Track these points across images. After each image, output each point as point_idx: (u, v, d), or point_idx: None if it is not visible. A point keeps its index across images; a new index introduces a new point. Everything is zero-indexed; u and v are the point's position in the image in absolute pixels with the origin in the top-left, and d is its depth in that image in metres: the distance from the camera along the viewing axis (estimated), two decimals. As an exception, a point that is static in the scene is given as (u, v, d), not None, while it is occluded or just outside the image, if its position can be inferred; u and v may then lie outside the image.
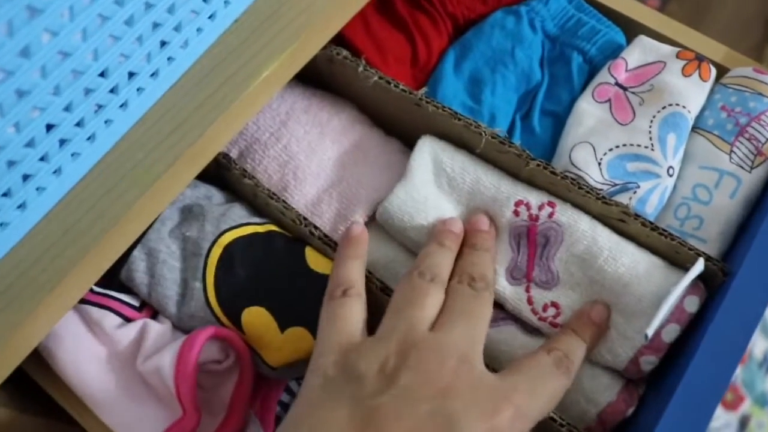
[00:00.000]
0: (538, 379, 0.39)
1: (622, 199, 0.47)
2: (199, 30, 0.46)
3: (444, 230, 0.46)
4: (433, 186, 0.48)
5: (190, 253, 0.47)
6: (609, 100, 0.50)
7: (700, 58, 0.50)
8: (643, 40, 0.52)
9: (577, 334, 0.43)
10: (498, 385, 0.38)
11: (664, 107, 0.48)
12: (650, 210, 0.47)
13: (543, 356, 0.41)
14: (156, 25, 0.42)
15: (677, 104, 0.48)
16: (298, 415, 0.37)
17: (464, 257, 0.45)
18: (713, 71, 0.51)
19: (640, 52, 0.52)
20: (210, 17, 0.46)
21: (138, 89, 0.44)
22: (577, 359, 0.42)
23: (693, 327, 0.44)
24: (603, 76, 0.51)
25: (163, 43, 0.44)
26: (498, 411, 0.36)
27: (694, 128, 0.50)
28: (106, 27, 0.38)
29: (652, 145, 0.47)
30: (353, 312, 0.41)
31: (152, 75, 0.44)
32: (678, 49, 0.51)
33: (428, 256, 0.44)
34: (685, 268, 0.45)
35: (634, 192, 0.47)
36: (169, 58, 0.45)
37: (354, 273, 0.43)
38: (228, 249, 0.46)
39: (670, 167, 0.47)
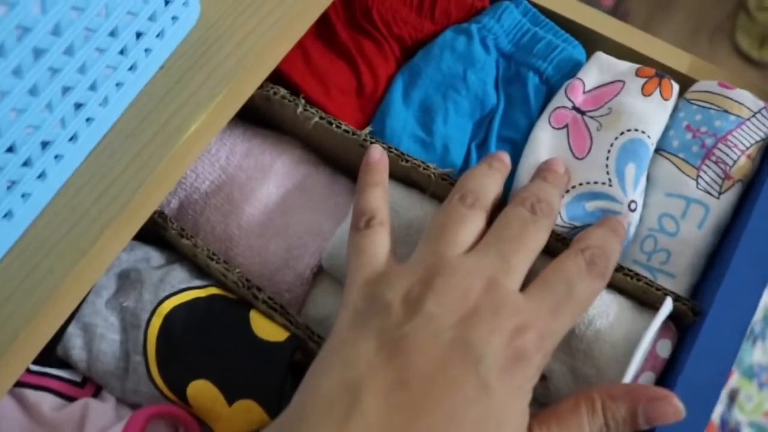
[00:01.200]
0: (566, 293, 0.37)
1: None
2: (118, 85, 0.42)
3: (494, 155, 0.43)
4: None
5: (130, 325, 0.44)
6: (566, 126, 0.47)
7: (660, 75, 0.47)
8: (600, 57, 0.49)
9: (612, 229, 0.40)
10: (523, 306, 0.36)
11: (622, 133, 0.45)
12: None
13: (572, 261, 0.38)
14: (67, 89, 0.38)
15: (636, 129, 0.45)
16: (329, 352, 0.36)
17: (529, 186, 0.42)
18: (675, 88, 0.47)
19: (597, 71, 0.48)
20: (130, 69, 0.43)
21: (56, 157, 0.40)
22: (614, 255, 0.39)
23: (665, 370, 0.42)
24: (560, 99, 0.48)
25: (78, 105, 0.40)
26: (521, 333, 0.35)
27: (659, 150, 0.47)
28: (7, 101, 0.35)
29: (610, 180, 0.44)
30: (377, 242, 0.40)
31: (70, 140, 0.41)
32: (637, 66, 0.48)
33: (473, 177, 0.41)
34: (654, 308, 0.42)
35: None
36: (87, 119, 0.41)
37: (376, 201, 0.41)
38: (168, 319, 0.43)
39: (632, 201, 0.44)
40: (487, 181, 0.41)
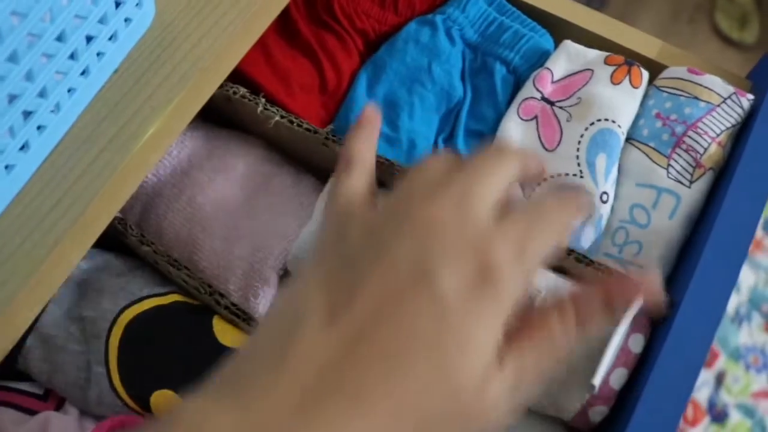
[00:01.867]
0: (539, 216, 0.32)
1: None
2: (70, 90, 0.41)
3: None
4: None
5: (90, 335, 0.43)
6: (536, 117, 0.46)
7: (629, 63, 0.46)
8: (568, 46, 0.48)
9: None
10: (491, 228, 0.31)
11: (592, 123, 0.44)
12: (587, 243, 0.43)
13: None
14: (13, 97, 0.37)
15: (606, 119, 0.44)
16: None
17: None
18: (645, 75, 0.47)
19: (565, 59, 0.47)
20: (82, 74, 0.41)
21: (6, 167, 0.39)
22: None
23: (638, 365, 0.41)
24: (528, 90, 0.47)
25: (27, 113, 0.39)
26: (489, 254, 0.30)
27: (629, 139, 0.46)
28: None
29: (581, 171, 0.43)
30: (354, 181, 0.35)
31: (21, 149, 0.40)
32: (606, 54, 0.47)
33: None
34: (626, 301, 0.41)
35: None
36: (39, 127, 0.40)
37: (363, 149, 0.36)
38: (129, 328, 0.42)
39: (604, 193, 0.43)
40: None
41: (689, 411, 1.19)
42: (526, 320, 0.31)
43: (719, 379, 1.21)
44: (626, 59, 0.47)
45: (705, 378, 1.21)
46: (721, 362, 1.23)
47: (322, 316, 0.29)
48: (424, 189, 0.32)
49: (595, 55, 0.47)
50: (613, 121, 0.44)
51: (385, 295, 0.30)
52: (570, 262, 0.42)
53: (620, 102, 0.45)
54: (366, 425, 0.28)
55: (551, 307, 0.32)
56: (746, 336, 1.25)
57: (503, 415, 0.30)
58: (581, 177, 0.43)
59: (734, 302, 1.27)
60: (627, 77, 0.46)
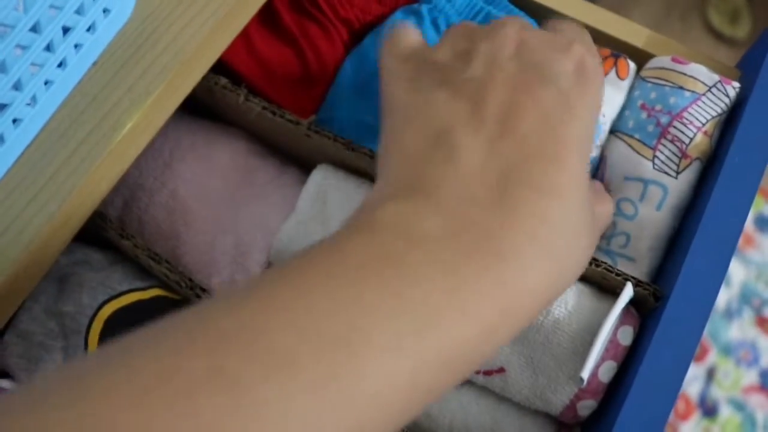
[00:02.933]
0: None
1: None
2: (47, 83, 0.40)
3: None
4: (318, 222, 0.43)
5: (70, 330, 0.42)
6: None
7: (616, 55, 0.46)
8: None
9: None
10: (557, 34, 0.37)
11: None
12: None
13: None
14: (-13, 90, 0.36)
15: None
16: (396, 120, 0.35)
17: None
18: (632, 67, 0.46)
19: None
20: (59, 66, 0.41)
21: (-19, 161, 0.38)
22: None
23: (627, 357, 0.41)
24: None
25: (2, 106, 0.38)
26: (572, 47, 0.35)
27: (615, 132, 0.45)
28: None
29: None
30: (408, 32, 0.40)
31: (-4, 142, 0.39)
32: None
33: None
34: (615, 294, 0.41)
35: None
36: (14, 121, 0.39)
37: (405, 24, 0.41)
38: (109, 323, 0.41)
39: None
40: None
41: (680, 405, 1.19)
42: None
43: (710, 374, 1.22)
44: (612, 52, 0.46)
45: (696, 373, 1.22)
46: (712, 357, 1.23)
47: (470, 131, 0.32)
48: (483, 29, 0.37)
49: None
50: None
51: (525, 104, 0.33)
52: (557, 255, 0.41)
53: (607, 95, 0.44)
54: (558, 213, 0.31)
55: None
56: (737, 331, 1.25)
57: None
58: None
59: (725, 297, 1.27)
60: (613, 69, 0.45)
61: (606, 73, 0.45)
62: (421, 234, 0.29)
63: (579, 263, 0.33)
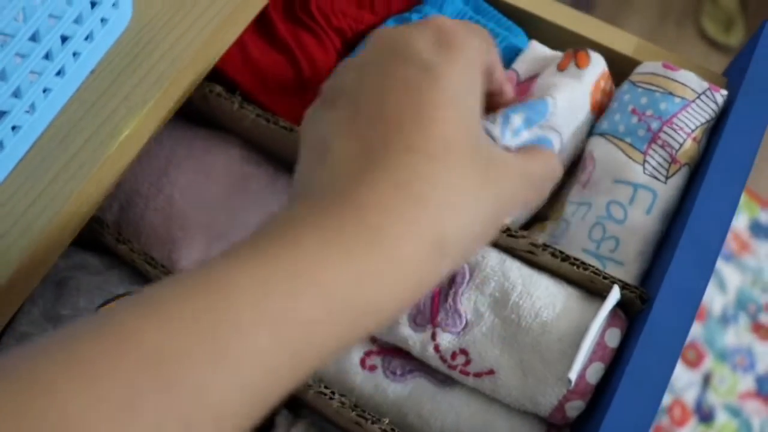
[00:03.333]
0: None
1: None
2: (46, 91, 0.41)
3: None
4: None
5: (68, 335, 0.42)
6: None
7: (576, 50, 0.46)
8: (533, 47, 0.48)
9: None
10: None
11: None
12: None
13: None
14: (-13, 97, 0.37)
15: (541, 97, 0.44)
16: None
17: None
18: (595, 57, 0.46)
19: (530, 61, 0.48)
20: (58, 74, 0.42)
21: (-19, 167, 0.39)
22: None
23: (614, 359, 0.41)
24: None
25: (2, 113, 0.39)
26: (429, 20, 0.36)
27: (606, 135, 0.46)
28: None
29: (495, 119, 0.42)
30: None
31: (-4, 149, 0.40)
32: (559, 53, 0.47)
33: None
34: (602, 297, 0.42)
35: None
36: (13, 128, 0.40)
37: None
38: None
39: (506, 147, 0.42)
40: None
41: (677, 412, 1.20)
42: None
43: (706, 380, 1.22)
44: (574, 49, 0.47)
45: (692, 379, 1.22)
46: (708, 363, 1.24)
47: (340, 125, 0.33)
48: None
49: (554, 54, 0.48)
50: (549, 96, 0.44)
51: (380, 80, 0.34)
52: (546, 258, 0.42)
53: (562, 83, 0.45)
54: (427, 162, 0.31)
55: None
56: (733, 337, 1.26)
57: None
58: (492, 123, 0.42)
59: (721, 303, 1.28)
60: (572, 61, 0.46)
61: (565, 68, 0.46)
62: (289, 218, 0.30)
63: (472, 212, 0.33)
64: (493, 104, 0.41)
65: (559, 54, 0.48)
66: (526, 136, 0.42)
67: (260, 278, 0.27)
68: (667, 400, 1.21)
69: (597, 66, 0.46)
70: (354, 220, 0.30)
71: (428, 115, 0.33)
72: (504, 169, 0.35)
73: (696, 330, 1.26)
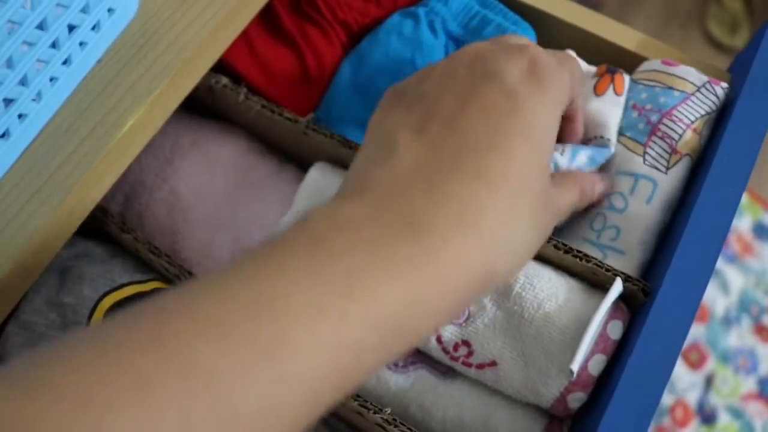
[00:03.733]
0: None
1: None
2: (52, 79, 0.41)
3: None
4: None
5: (71, 322, 0.43)
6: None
7: (612, 71, 0.47)
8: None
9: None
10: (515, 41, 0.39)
11: (585, 142, 0.46)
12: None
13: None
14: (-6, 84, 0.37)
15: (598, 137, 0.45)
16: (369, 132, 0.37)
17: None
18: (627, 80, 0.47)
19: None
20: (64, 63, 0.42)
21: (-13, 154, 0.39)
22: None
23: (616, 351, 0.42)
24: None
25: (8, 101, 0.39)
26: (526, 50, 0.37)
27: (608, 132, 0.46)
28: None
29: (563, 150, 0.43)
30: None
31: (2, 136, 0.40)
32: (593, 68, 0.48)
33: None
34: (604, 289, 0.42)
35: None
36: (20, 116, 0.40)
37: None
38: (109, 314, 0.42)
39: None
40: None
41: (679, 413, 1.20)
42: None
43: (708, 382, 1.22)
44: (608, 67, 0.47)
45: (694, 380, 1.22)
46: (711, 364, 1.24)
47: (410, 131, 0.34)
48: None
49: (584, 69, 0.48)
50: (602, 137, 0.45)
51: (466, 101, 0.34)
52: (549, 250, 0.42)
53: (606, 113, 0.45)
54: (494, 199, 0.32)
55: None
56: (735, 338, 1.25)
57: (564, 205, 0.38)
58: (561, 154, 0.43)
59: (724, 305, 1.28)
60: (610, 86, 0.46)
61: (603, 92, 0.46)
62: (345, 219, 0.30)
63: (520, 246, 0.34)
64: (561, 130, 0.42)
65: (586, 67, 0.48)
66: (578, 163, 0.44)
67: (315, 301, 0.27)
68: (669, 400, 1.21)
69: (627, 90, 0.47)
70: (410, 241, 0.30)
71: (504, 143, 0.33)
72: (552, 208, 0.36)
73: (698, 331, 1.26)
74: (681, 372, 1.22)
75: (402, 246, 0.29)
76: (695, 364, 1.22)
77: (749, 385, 1.23)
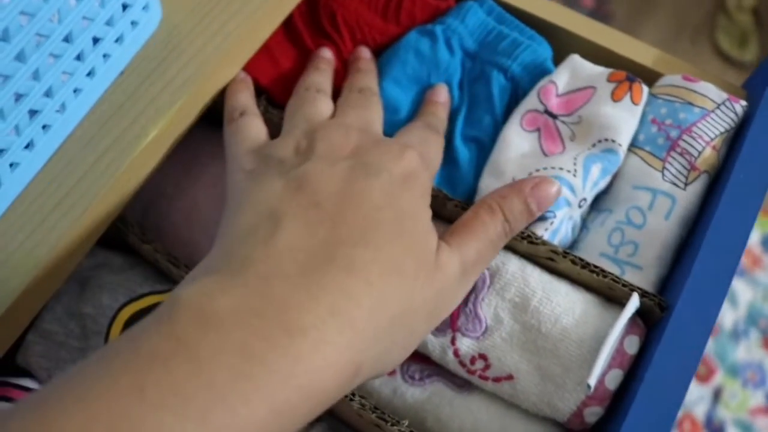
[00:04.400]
0: (426, 127, 0.46)
1: (538, 229, 0.43)
2: (76, 91, 0.42)
3: (317, 56, 0.49)
4: None
5: (90, 331, 0.43)
6: (538, 129, 0.47)
7: (630, 79, 0.47)
8: (574, 60, 0.49)
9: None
10: (397, 140, 0.43)
11: (594, 144, 0.45)
12: (558, 243, 0.45)
13: (418, 124, 0.46)
14: (20, 96, 0.38)
15: (607, 139, 0.45)
16: (234, 204, 0.39)
17: (349, 76, 0.49)
18: (645, 91, 0.47)
19: (570, 75, 0.48)
20: (88, 75, 0.42)
21: (11, 165, 0.40)
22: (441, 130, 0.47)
23: (633, 366, 0.42)
24: (532, 101, 0.48)
25: (33, 112, 0.40)
26: (404, 154, 0.40)
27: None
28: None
29: (576, 170, 0.44)
30: (254, 125, 0.44)
31: (26, 147, 0.40)
32: (610, 70, 0.48)
33: (307, 76, 0.47)
34: (621, 304, 0.42)
35: (551, 222, 0.43)
36: (44, 126, 0.41)
37: (245, 98, 0.46)
38: (128, 324, 0.43)
39: (583, 199, 0.44)
40: (320, 77, 0.48)
41: (687, 426, 1.20)
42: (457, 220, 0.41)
43: (717, 395, 1.22)
44: (627, 75, 0.47)
45: (702, 393, 1.22)
46: (719, 378, 1.23)
47: (294, 215, 0.35)
48: (328, 122, 0.43)
49: (599, 71, 0.48)
50: (614, 141, 0.45)
51: (345, 194, 0.36)
52: (566, 264, 0.42)
53: (620, 119, 0.46)
54: (366, 293, 0.33)
55: (479, 206, 0.41)
56: (744, 352, 1.25)
57: (455, 280, 0.38)
58: (574, 175, 0.44)
59: (732, 318, 1.27)
60: (628, 94, 0.46)
61: (620, 98, 0.46)
62: (216, 314, 0.29)
63: (391, 336, 0.34)
64: None
65: (601, 70, 0.48)
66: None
67: (169, 427, 0.26)
68: (677, 414, 1.21)
69: (644, 101, 0.47)
70: (281, 345, 0.29)
71: (377, 236, 0.35)
72: (446, 272, 0.37)
73: (707, 344, 1.26)
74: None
75: (271, 352, 0.29)
76: (703, 378, 1.22)
77: (758, 398, 1.23)
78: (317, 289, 0.31)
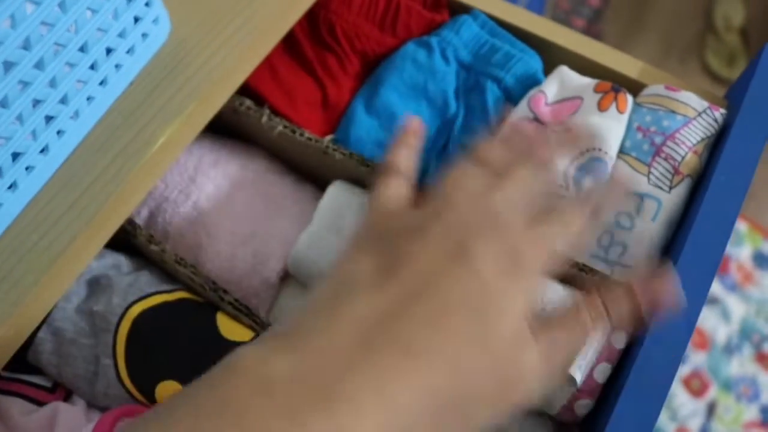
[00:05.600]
0: (559, 223, 0.37)
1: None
2: (89, 99, 0.44)
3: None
4: (333, 233, 0.46)
5: (99, 329, 0.45)
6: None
7: (616, 89, 0.49)
8: (562, 71, 0.51)
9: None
10: (522, 229, 0.35)
11: (582, 153, 0.47)
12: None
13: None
14: (37, 102, 0.40)
15: (594, 148, 0.47)
16: (330, 267, 0.35)
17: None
18: (630, 100, 0.50)
19: (558, 85, 0.51)
20: (101, 83, 0.44)
21: (27, 168, 0.42)
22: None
23: (621, 360, 0.44)
24: (522, 109, 0.50)
25: (49, 118, 0.42)
26: (519, 248, 0.34)
27: (613, 153, 0.49)
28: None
29: (568, 186, 0.46)
30: (392, 185, 0.39)
31: (41, 151, 0.42)
32: (596, 81, 0.50)
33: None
34: (609, 302, 0.44)
35: None
36: (58, 132, 0.43)
37: (401, 157, 0.40)
38: (137, 322, 0.44)
39: None
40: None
41: (682, 439, 1.20)
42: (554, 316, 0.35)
43: (711, 409, 1.23)
44: (613, 85, 0.50)
45: (696, 408, 1.23)
46: (713, 392, 1.25)
47: (372, 280, 0.33)
48: (462, 200, 0.37)
49: (586, 82, 0.50)
50: (600, 149, 0.47)
51: (429, 265, 0.33)
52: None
53: (606, 128, 0.48)
54: (416, 375, 0.31)
55: (584, 302, 0.35)
56: (737, 366, 1.27)
57: (536, 382, 0.33)
58: (566, 189, 0.46)
59: (726, 333, 1.29)
60: (614, 103, 0.49)
61: (606, 108, 0.48)
62: (268, 377, 0.29)
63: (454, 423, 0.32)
64: None
65: (588, 81, 0.50)
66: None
67: None
68: (671, 428, 1.22)
69: (630, 110, 0.49)
70: (324, 416, 0.29)
71: (446, 320, 0.32)
72: (519, 386, 0.33)
73: (700, 359, 1.27)
74: (683, 399, 1.23)
75: (311, 416, 0.29)
76: (697, 392, 1.24)
77: (752, 413, 1.24)
78: (367, 365, 0.30)
